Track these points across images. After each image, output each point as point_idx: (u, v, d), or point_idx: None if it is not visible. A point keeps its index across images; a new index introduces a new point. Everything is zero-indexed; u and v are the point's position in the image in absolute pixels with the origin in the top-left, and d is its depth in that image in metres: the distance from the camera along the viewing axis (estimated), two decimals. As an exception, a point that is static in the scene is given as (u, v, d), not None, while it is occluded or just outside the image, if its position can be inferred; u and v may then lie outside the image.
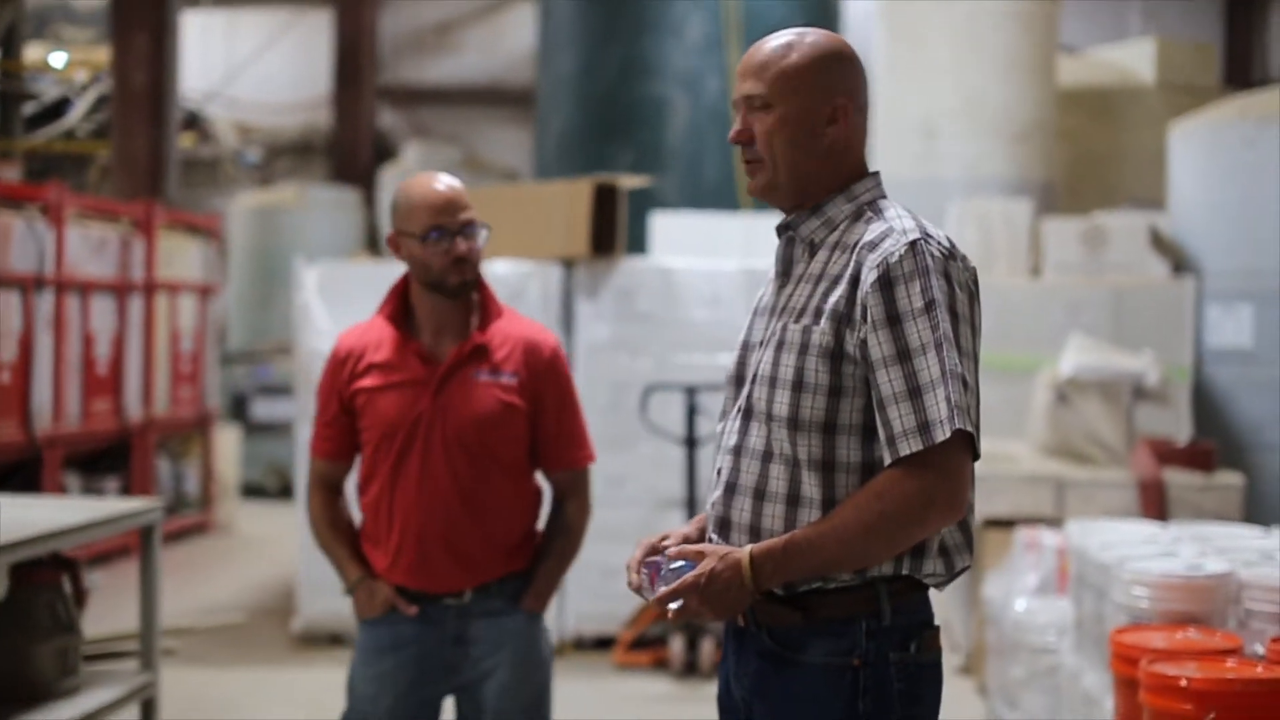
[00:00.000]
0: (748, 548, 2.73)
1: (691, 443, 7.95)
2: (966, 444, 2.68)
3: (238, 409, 14.77)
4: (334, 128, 18.44)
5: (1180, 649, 4.13)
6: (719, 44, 13.91)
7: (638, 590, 2.83)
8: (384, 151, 18.58)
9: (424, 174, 3.92)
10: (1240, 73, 16.36)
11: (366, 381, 3.86)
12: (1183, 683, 3.80)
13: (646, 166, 13.34)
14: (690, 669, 7.77)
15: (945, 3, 10.87)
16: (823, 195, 2.88)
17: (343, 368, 3.92)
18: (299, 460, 8.44)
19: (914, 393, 2.66)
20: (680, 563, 2.77)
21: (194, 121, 16.28)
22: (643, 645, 8.03)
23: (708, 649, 7.74)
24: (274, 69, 18.49)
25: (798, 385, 2.76)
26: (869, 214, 2.85)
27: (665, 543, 2.86)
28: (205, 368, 12.58)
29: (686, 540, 2.88)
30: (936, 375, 2.65)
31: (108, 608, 7.93)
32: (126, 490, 11.02)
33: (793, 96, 2.83)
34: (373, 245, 17.41)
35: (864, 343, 2.72)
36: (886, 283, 2.71)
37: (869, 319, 2.71)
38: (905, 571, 2.76)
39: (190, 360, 12.26)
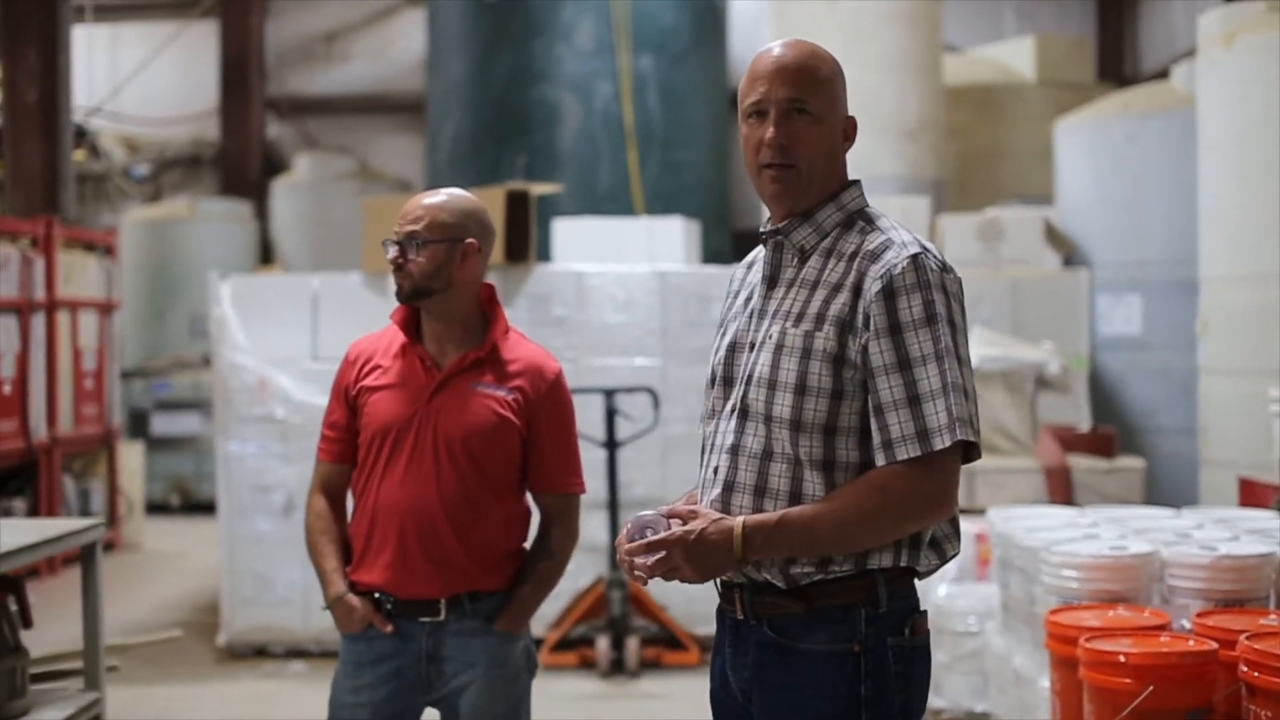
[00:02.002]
0: (740, 517, 2.84)
1: (612, 445, 8.08)
2: (961, 451, 2.83)
3: (137, 425, 14.66)
4: (223, 140, 18.28)
5: (1114, 626, 4.34)
6: (610, 48, 14.03)
7: (629, 567, 2.89)
8: (274, 163, 18.45)
9: (431, 190, 4.06)
10: (1114, 68, 16.74)
11: (369, 381, 3.98)
12: (1121, 658, 4.00)
13: (539, 172, 13.44)
14: (616, 668, 7.89)
15: (832, 3, 11.06)
16: (815, 203, 2.99)
17: (351, 369, 4.04)
18: (220, 475, 8.44)
19: (913, 400, 2.81)
20: (652, 512, 2.90)
21: (81, 136, 16.08)
22: (568, 646, 8.14)
23: (633, 648, 7.86)
24: (160, 82, 18.28)
25: (800, 388, 2.87)
26: (861, 223, 2.97)
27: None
28: (108, 385, 12.47)
29: (674, 514, 2.94)
30: (937, 386, 2.80)
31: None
32: (34, 511, 10.91)
33: (832, 111, 2.96)
34: (266, 258, 17.31)
35: (865, 349, 2.84)
36: (890, 293, 2.83)
37: (871, 327, 2.83)
38: (904, 563, 2.91)
39: (93, 378, 12.17)
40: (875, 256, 2.88)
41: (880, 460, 2.84)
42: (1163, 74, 13.23)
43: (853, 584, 2.88)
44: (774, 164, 2.94)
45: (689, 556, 2.83)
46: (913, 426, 2.80)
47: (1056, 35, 14.66)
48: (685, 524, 2.87)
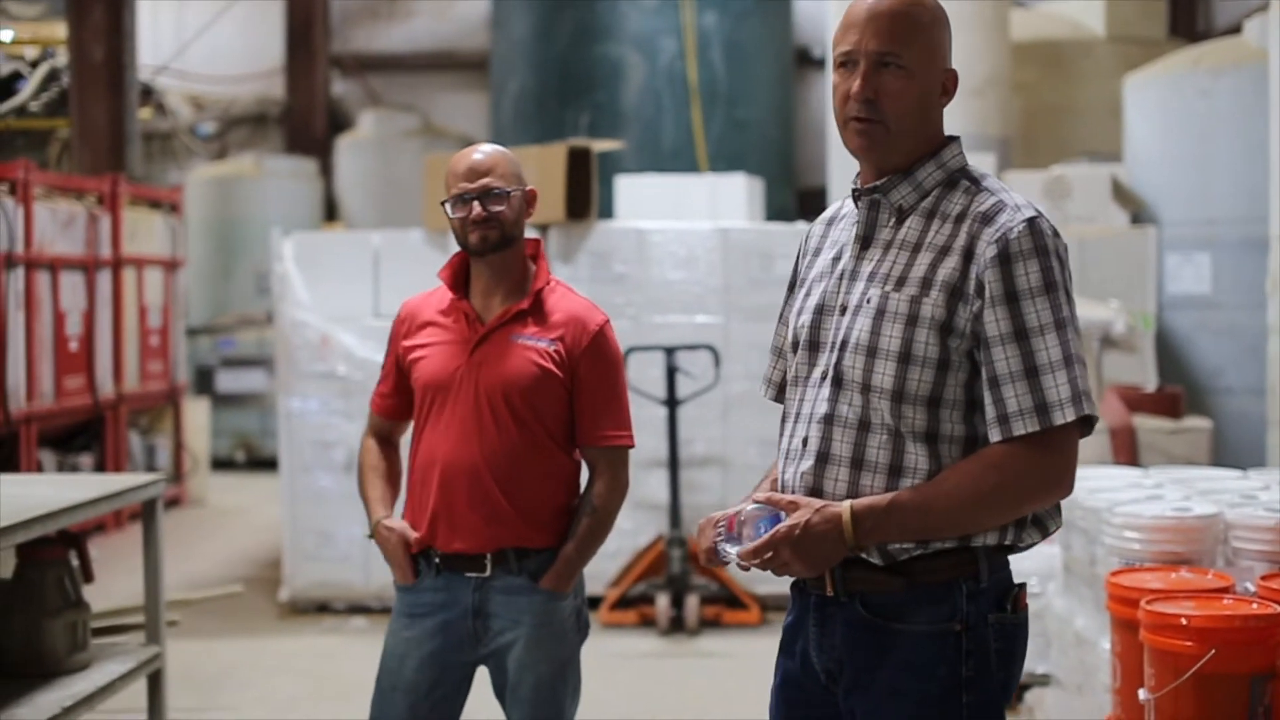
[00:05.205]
0: (847, 502, 2.71)
1: (673, 403, 8.06)
2: (1080, 426, 2.69)
3: (202, 382, 14.77)
4: (288, 98, 18.33)
5: (1177, 589, 4.27)
6: (674, 4, 13.96)
7: (711, 556, 2.81)
8: (339, 120, 18.48)
9: (470, 146, 4.06)
10: (1186, 23, 16.47)
11: (418, 339, 4.01)
12: (1183, 621, 3.93)
13: (603, 129, 13.40)
14: (676, 626, 7.89)
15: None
16: (914, 160, 2.83)
17: (401, 327, 4.08)
18: (282, 431, 8.50)
19: (1030, 372, 2.67)
20: (753, 506, 2.78)
21: (147, 94, 16.16)
22: (628, 604, 8.15)
23: (693, 606, 7.86)
24: (225, 39, 18.34)
25: (905, 357, 2.74)
26: (965, 182, 2.82)
27: (739, 508, 2.83)
28: (173, 342, 12.58)
29: (771, 502, 2.81)
30: (1057, 358, 2.67)
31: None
32: (100, 466, 11.02)
33: (930, 64, 2.79)
34: (331, 215, 17.36)
35: (977, 318, 2.71)
36: (1005, 259, 2.69)
37: (986, 294, 2.70)
38: (1009, 541, 2.79)
39: (159, 335, 12.27)
40: (988, 219, 2.74)
41: (995, 435, 2.70)
42: (1236, 29, 13.01)
43: (953, 559, 2.76)
44: (860, 118, 2.78)
45: (798, 552, 2.71)
46: (1031, 400, 2.66)
47: (1127, -10, 14.43)
48: (788, 516, 2.74)
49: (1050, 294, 2.69)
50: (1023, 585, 2.85)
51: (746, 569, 2.80)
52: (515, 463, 3.87)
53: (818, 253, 3.01)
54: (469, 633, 3.93)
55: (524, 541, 3.90)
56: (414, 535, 3.93)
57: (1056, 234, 2.75)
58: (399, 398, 4.08)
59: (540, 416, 3.90)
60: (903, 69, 2.76)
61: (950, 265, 2.74)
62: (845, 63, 2.81)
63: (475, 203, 3.88)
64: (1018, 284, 2.69)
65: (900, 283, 2.77)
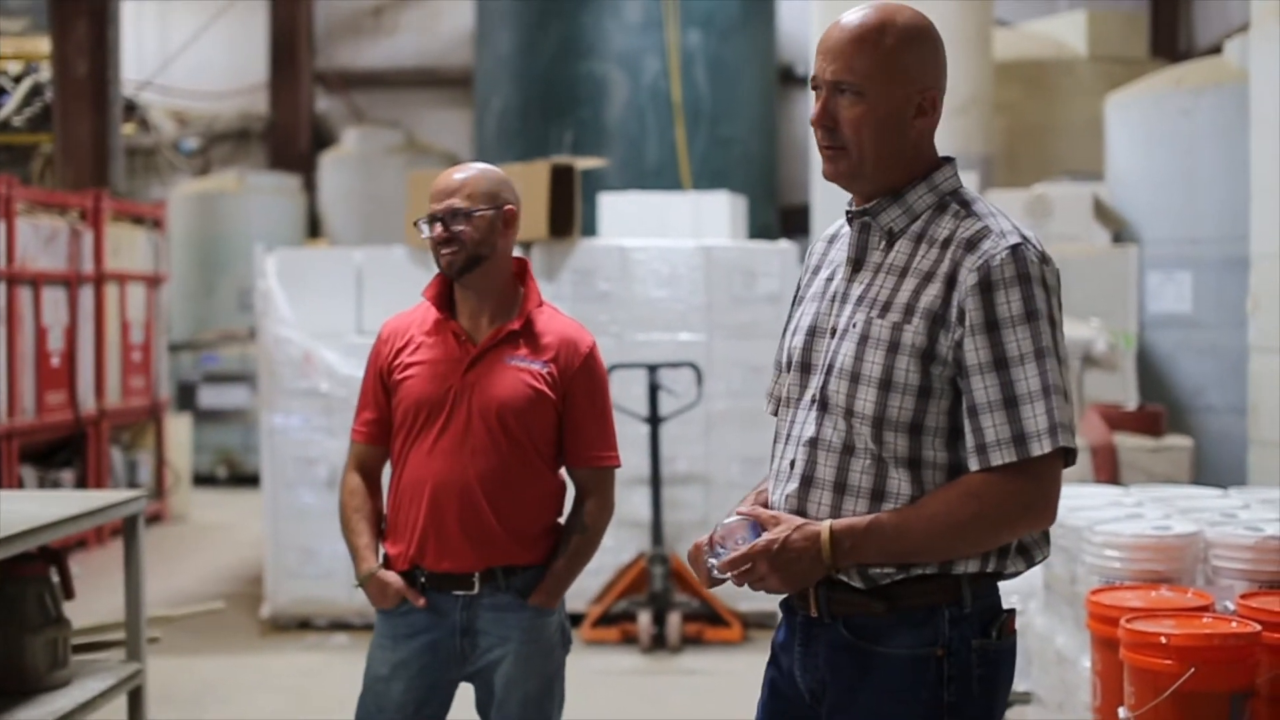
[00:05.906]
0: (827, 521, 2.71)
1: (655, 421, 8.06)
2: (1062, 456, 2.67)
3: (185, 398, 14.75)
4: (271, 114, 18.34)
5: (1157, 607, 4.28)
6: (658, 23, 13.99)
7: (707, 574, 2.81)
8: (323, 137, 18.49)
9: (455, 165, 4.06)
10: (1167, 43, 16.56)
11: (404, 359, 3.98)
12: (1162, 640, 3.95)
13: (586, 146, 13.42)
14: (658, 643, 7.89)
15: (883, -22, 10.93)
16: (903, 182, 2.80)
17: (385, 347, 4.04)
18: (265, 448, 8.48)
19: (1009, 402, 2.65)
20: (734, 518, 2.79)
21: (131, 110, 16.16)
22: (610, 621, 8.14)
23: (675, 624, 7.85)
24: (209, 55, 18.34)
25: (886, 384, 2.72)
26: (955, 206, 2.80)
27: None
28: (155, 357, 12.56)
29: (754, 516, 2.82)
30: (1036, 388, 2.64)
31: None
32: (82, 482, 11.00)
33: (886, 87, 2.74)
34: (314, 231, 17.36)
35: (958, 346, 2.69)
36: (987, 286, 2.67)
37: (966, 322, 2.68)
38: (990, 569, 2.76)
39: (141, 350, 12.25)
40: (971, 245, 2.71)
41: (974, 465, 2.69)
42: (1216, 49, 13.08)
43: (936, 584, 2.74)
44: (825, 145, 2.79)
45: (775, 566, 2.71)
46: (1009, 430, 2.65)
47: (1109, 10, 14.50)
48: (768, 531, 2.74)
49: (1032, 322, 2.66)
50: (1011, 611, 2.83)
51: (742, 584, 2.78)
52: (508, 483, 3.88)
53: (817, 270, 2.99)
54: (456, 651, 3.92)
55: (512, 559, 3.91)
56: (403, 585, 3.92)
57: (1045, 260, 2.71)
58: (382, 422, 4.04)
59: (532, 437, 3.91)
60: (859, 94, 2.74)
61: (933, 292, 2.72)
62: (815, 89, 2.81)
63: (439, 223, 3.89)
64: (998, 312, 2.67)
65: (885, 308, 2.76)
